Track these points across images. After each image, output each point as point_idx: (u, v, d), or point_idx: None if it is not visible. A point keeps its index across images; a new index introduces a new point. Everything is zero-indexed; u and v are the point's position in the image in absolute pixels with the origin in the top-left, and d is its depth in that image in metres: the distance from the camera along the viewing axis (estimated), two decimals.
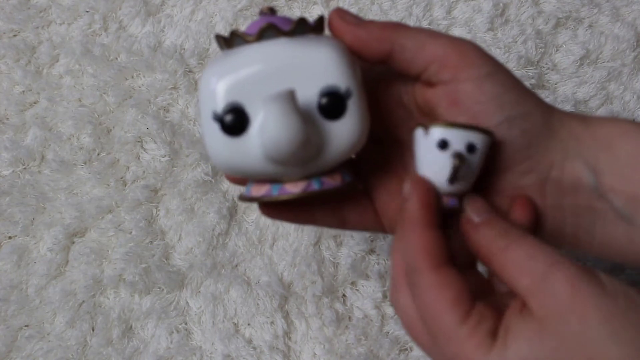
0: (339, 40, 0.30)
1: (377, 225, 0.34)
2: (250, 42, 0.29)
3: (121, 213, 0.46)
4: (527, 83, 0.50)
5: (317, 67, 0.28)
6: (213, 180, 0.47)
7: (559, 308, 0.23)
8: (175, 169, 0.47)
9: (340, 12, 0.30)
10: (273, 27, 0.28)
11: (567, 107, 0.50)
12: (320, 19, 0.30)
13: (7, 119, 0.48)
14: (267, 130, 0.27)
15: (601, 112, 0.50)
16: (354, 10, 0.51)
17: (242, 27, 0.51)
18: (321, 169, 0.30)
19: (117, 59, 0.50)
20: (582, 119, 0.30)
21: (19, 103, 0.49)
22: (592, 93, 0.51)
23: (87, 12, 0.51)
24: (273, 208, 0.33)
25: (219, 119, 0.28)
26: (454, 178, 0.28)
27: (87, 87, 0.49)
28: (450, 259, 0.27)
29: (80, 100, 0.49)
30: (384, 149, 0.34)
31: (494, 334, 0.24)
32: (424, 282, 0.26)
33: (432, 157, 0.28)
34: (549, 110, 0.30)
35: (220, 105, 0.28)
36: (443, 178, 0.28)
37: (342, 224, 0.34)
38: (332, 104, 0.28)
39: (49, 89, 0.49)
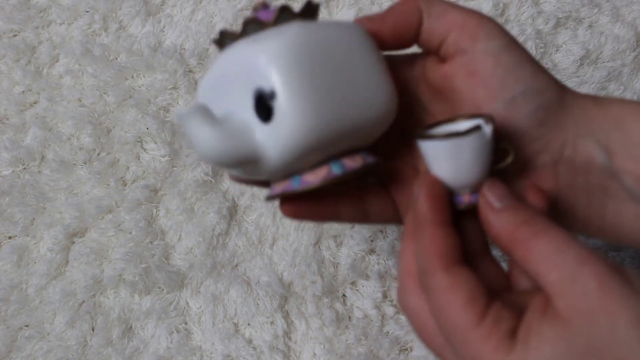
0: (290, 35, 0.28)
1: (396, 216, 0.34)
2: (235, 39, 0.28)
3: (121, 213, 0.46)
4: None
5: (253, 68, 0.27)
6: (213, 180, 0.47)
7: (587, 308, 0.22)
8: (175, 169, 0.47)
9: (364, 18, 0.30)
10: (254, 21, 0.28)
11: None
12: (307, 4, 0.29)
13: (7, 119, 0.48)
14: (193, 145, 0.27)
15: None
16: (353, 10, 0.51)
17: None
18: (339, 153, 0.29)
19: (117, 59, 0.50)
20: (593, 98, 0.30)
21: (19, 103, 0.49)
22: (592, 93, 0.51)
23: (87, 12, 0.51)
24: (295, 208, 0.31)
25: None
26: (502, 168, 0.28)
27: (87, 87, 0.49)
28: (462, 257, 0.26)
29: (80, 100, 0.49)
30: (396, 140, 0.34)
31: (513, 335, 0.24)
32: (436, 284, 0.26)
33: (444, 157, 0.28)
34: (562, 88, 0.30)
35: (197, 104, 0.28)
36: (456, 173, 0.28)
37: (365, 217, 0.33)
38: (258, 106, 0.27)
39: (49, 89, 0.49)
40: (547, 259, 0.24)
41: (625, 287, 0.22)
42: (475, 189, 0.28)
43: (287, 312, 0.45)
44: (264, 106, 0.27)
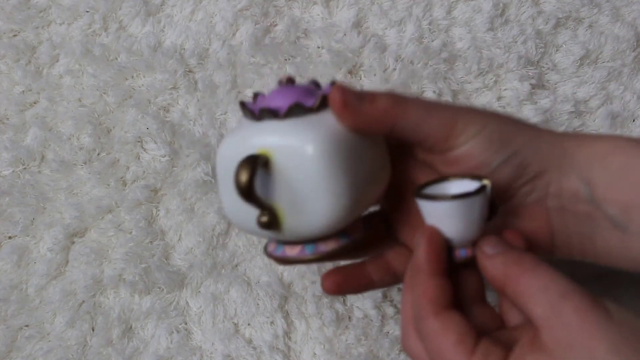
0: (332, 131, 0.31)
1: None
2: (279, 118, 0.31)
3: (121, 213, 0.46)
4: (527, 83, 0.50)
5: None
6: (213, 180, 0.47)
7: (569, 339, 0.25)
8: (175, 169, 0.47)
9: (341, 94, 0.31)
10: (299, 106, 0.31)
11: (567, 107, 0.50)
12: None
13: (7, 119, 0.48)
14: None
15: (601, 112, 0.50)
16: (354, 10, 0.51)
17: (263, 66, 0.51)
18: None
19: (117, 59, 0.50)
20: (575, 137, 0.33)
21: (19, 103, 0.49)
22: (592, 93, 0.51)
23: (87, 12, 0.51)
24: (336, 285, 0.35)
25: None
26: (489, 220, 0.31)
27: (87, 87, 0.49)
28: (452, 303, 0.29)
29: (80, 100, 0.49)
30: (402, 194, 0.37)
31: None
32: (428, 328, 0.28)
33: (445, 216, 0.30)
34: (538, 139, 0.33)
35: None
36: (458, 230, 0.30)
37: (396, 278, 0.37)
38: None
39: (49, 89, 0.49)
40: (534, 294, 0.27)
41: (603, 318, 0.25)
42: (474, 242, 0.31)
43: (287, 312, 0.45)
44: None
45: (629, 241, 0.31)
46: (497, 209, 0.33)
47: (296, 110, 0.31)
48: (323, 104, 0.31)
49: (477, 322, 0.30)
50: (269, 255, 0.34)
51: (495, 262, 0.29)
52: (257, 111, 0.32)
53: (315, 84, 0.34)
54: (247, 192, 0.29)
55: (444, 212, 0.30)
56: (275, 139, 0.30)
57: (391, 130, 0.32)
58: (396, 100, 0.32)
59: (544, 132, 0.34)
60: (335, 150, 0.30)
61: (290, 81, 0.33)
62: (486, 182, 0.30)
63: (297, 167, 0.30)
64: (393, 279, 0.36)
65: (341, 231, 0.32)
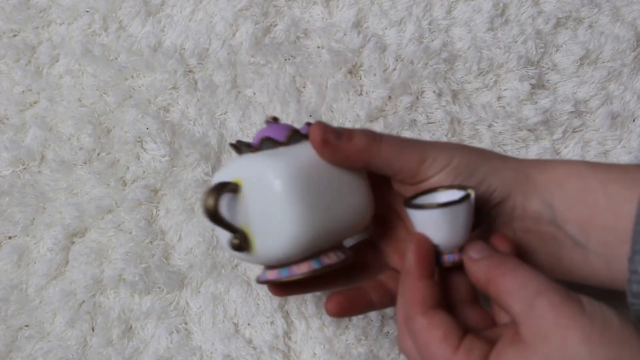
0: (297, 158, 0.34)
1: None
2: (252, 150, 0.35)
3: (121, 213, 0.46)
4: (527, 83, 0.50)
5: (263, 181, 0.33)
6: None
7: (543, 330, 0.27)
8: (175, 169, 0.47)
9: (321, 132, 0.34)
10: (270, 140, 0.35)
11: (567, 107, 0.50)
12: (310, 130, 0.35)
13: (7, 119, 0.48)
14: None
15: (601, 112, 0.50)
16: (354, 10, 0.51)
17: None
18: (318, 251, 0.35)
19: (117, 59, 0.50)
20: (537, 163, 0.36)
21: (19, 103, 0.49)
22: (592, 93, 0.51)
23: (87, 12, 0.51)
24: (339, 306, 0.37)
25: None
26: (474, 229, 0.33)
27: (87, 87, 0.49)
28: (439, 303, 0.31)
29: (80, 100, 0.49)
30: (387, 221, 0.40)
31: (485, 359, 0.29)
32: (416, 326, 0.31)
33: (433, 223, 0.32)
34: (502, 167, 0.36)
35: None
36: (445, 236, 0.33)
37: (393, 299, 0.39)
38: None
39: (49, 89, 0.49)
40: (512, 292, 0.29)
41: (576, 311, 0.27)
42: (461, 248, 0.33)
43: (287, 312, 0.45)
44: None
45: (590, 259, 0.34)
46: (483, 217, 0.36)
47: (267, 144, 0.35)
48: (293, 138, 0.35)
49: (468, 322, 0.33)
50: (257, 280, 0.37)
51: (478, 266, 0.31)
52: (238, 145, 0.36)
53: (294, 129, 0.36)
54: (213, 216, 0.32)
55: (431, 220, 0.32)
56: (245, 168, 0.34)
57: (367, 165, 0.35)
58: (371, 138, 0.34)
59: (509, 160, 0.37)
60: (297, 181, 0.33)
61: (274, 120, 0.37)
62: (470, 191, 0.33)
63: (264, 194, 0.33)
64: (390, 300, 0.38)
65: (315, 256, 0.35)
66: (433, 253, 0.33)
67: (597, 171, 0.34)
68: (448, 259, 0.33)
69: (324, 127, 0.34)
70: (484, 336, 0.30)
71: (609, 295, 0.33)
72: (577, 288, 0.30)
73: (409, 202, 0.34)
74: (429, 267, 0.32)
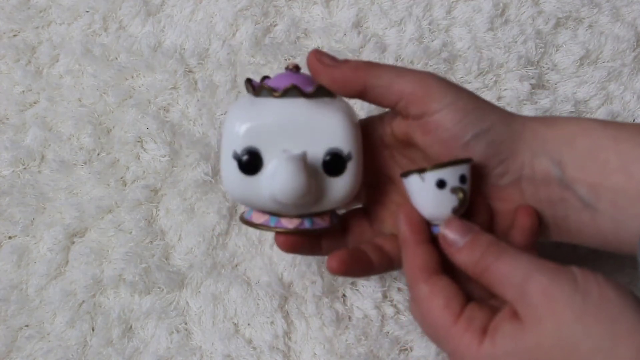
0: (348, 107, 0.35)
1: None
2: (275, 96, 0.34)
3: (121, 213, 0.46)
4: (527, 83, 0.50)
5: (326, 130, 0.33)
6: (213, 180, 0.47)
7: (536, 313, 0.27)
8: (175, 169, 0.47)
9: (317, 54, 0.34)
10: (296, 88, 0.33)
11: (567, 107, 0.50)
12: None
13: (7, 119, 0.48)
14: (279, 181, 0.32)
15: (601, 112, 0.50)
16: (354, 10, 0.51)
17: (267, 70, 0.51)
18: (314, 212, 0.35)
19: (117, 59, 0.50)
20: (544, 120, 0.35)
21: (19, 103, 0.49)
22: (592, 93, 0.51)
23: (87, 12, 0.51)
24: (344, 263, 0.36)
25: (238, 158, 0.33)
26: (460, 207, 0.32)
27: (87, 87, 0.49)
28: (440, 268, 0.31)
29: (80, 100, 0.49)
30: (379, 188, 0.39)
31: (484, 331, 0.29)
32: (418, 293, 0.31)
33: (432, 196, 0.32)
34: (510, 119, 0.34)
35: (240, 146, 0.33)
36: (447, 210, 0.32)
37: (391, 262, 0.37)
38: (335, 163, 0.34)
39: (49, 89, 0.49)
40: (502, 281, 0.29)
41: (568, 290, 0.27)
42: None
43: (287, 312, 0.45)
44: (336, 163, 0.33)
45: (598, 220, 0.33)
46: (460, 193, 0.34)
47: (291, 92, 0.33)
48: (319, 93, 0.34)
49: (474, 291, 0.32)
50: (241, 218, 0.36)
51: (462, 257, 0.31)
52: (257, 87, 0.35)
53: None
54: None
55: (421, 186, 0.32)
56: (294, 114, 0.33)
57: (364, 88, 0.33)
58: (369, 62, 0.34)
59: (515, 114, 0.35)
60: (357, 131, 0.33)
61: (296, 68, 0.36)
62: (465, 163, 0.32)
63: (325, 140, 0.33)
64: (388, 262, 0.37)
65: (308, 216, 0.35)
66: (423, 220, 0.33)
67: (608, 129, 0.33)
68: (437, 230, 0.33)
69: (321, 52, 0.34)
70: (489, 304, 0.30)
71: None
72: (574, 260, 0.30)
73: (404, 172, 0.33)
74: (423, 232, 0.32)
